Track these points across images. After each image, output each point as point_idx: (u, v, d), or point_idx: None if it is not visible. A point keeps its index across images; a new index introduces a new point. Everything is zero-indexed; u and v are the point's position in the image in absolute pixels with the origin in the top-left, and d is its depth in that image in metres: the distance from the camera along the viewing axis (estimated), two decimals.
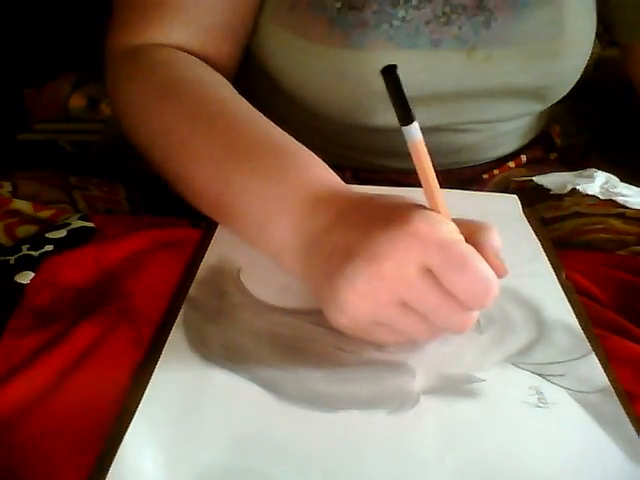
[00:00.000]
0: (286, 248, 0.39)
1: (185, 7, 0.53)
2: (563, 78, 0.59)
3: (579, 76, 0.59)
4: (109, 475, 0.29)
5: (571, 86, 0.60)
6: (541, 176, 0.59)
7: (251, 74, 0.60)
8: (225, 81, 0.51)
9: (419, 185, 0.35)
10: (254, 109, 0.47)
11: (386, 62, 0.32)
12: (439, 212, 0.35)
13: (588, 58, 0.59)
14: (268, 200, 0.40)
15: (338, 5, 0.53)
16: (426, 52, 0.54)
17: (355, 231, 0.35)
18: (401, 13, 0.53)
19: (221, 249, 0.44)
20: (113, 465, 0.29)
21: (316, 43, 0.53)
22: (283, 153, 0.42)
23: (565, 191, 0.56)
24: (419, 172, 0.34)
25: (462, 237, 0.34)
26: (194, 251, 0.44)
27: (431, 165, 0.34)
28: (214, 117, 0.45)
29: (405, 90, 0.31)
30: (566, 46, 0.56)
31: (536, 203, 0.56)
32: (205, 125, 0.45)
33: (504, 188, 0.63)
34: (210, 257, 0.43)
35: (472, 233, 0.34)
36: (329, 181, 0.41)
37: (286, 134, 0.44)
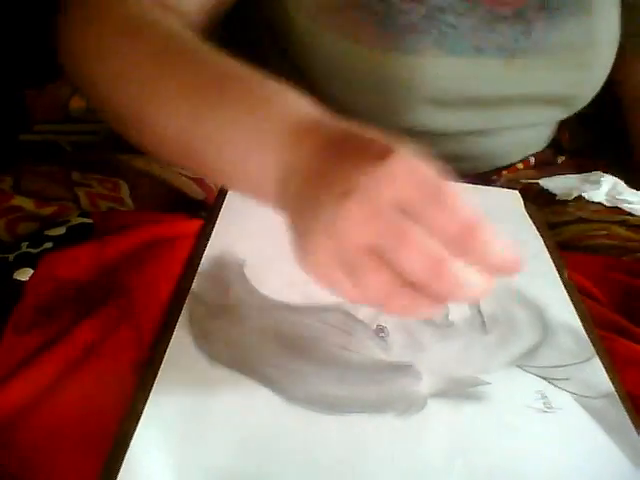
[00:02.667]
0: (266, 181, 0.36)
1: None
2: (591, 87, 0.60)
3: (602, 84, 0.60)
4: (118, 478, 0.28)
5: (594, 94, 0.60)
6: (547, 179, 0.59)
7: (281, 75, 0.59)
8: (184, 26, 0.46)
9: None
10: (220, 50, 0.42)
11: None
12: None
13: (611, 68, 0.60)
14: (245, 133, 0.37)
15: (386, 8, 0.52)
16: (469, 59, 0.54)
17: (333, 163, 0.32)
18: (449, 19, 0.53)
19: (223, 241, 0.43)
20: (122, 470, 0.28)
21: (363, 46, 0.53)
22: (258, 86, 0.39)
23: (571, 198, 0.56)
24: None
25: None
26: (195, 242, 0.43)
27: None
28: (179, 54, 0.42)
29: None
30: (596, 56, 0.57)
31: (541, 207, 0.56)
32: (170, 61, 0.42)
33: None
34: (212, 249, 0.43)
35: None
36: (308, 111, 0.37)
37: (258, 70, 0.39)
